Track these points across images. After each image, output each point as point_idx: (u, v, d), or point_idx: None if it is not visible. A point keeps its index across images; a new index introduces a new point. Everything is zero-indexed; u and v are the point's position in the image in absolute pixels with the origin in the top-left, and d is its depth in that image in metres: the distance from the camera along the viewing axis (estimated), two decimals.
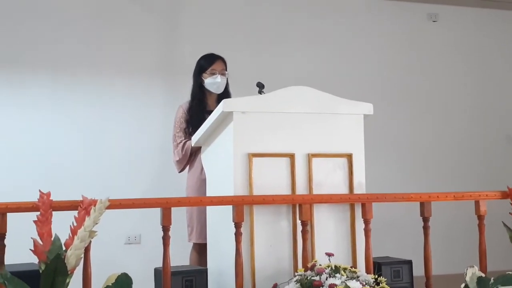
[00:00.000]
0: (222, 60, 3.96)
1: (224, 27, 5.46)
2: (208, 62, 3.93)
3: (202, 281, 2.98)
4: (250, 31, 5.54)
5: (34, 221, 2.47)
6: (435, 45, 6.02)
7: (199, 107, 3.87)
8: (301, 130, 3.12)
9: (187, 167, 3.92)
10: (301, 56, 5.58)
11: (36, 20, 5.06)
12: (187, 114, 3.87)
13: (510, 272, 2.94)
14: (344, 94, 3.27)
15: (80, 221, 2.50)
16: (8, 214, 2.59)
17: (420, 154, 5.83)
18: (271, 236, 3.00)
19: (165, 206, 2.82)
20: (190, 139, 3.66)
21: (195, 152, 3.78)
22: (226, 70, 3.95)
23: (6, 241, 2.59)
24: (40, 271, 2.41)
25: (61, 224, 2.56)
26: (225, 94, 3.92)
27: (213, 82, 3.88)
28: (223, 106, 3.05)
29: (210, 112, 3.50)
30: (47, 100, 5.03)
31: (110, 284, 2.51)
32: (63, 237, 2.50)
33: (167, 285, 2.80)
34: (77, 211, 2.53)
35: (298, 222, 2.98)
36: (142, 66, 5.26)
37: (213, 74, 3.89)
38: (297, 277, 2.73)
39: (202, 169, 3.68)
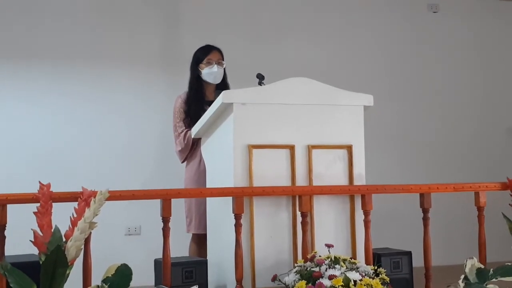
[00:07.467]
0: (219, 50, 3.94)
1: (225, 18, 5.45)
2: (204, 53, 3.91)
3: (202, 272, 2.99)
4: (251, 22, 5.53)
5: (34, 213, 2.47)
6: (436, 36, 6.00)
7: (196, 98, 3.85)
8: (301, 122, 3.12)
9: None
10: (301, 48, 5.56)
11: (36, 11, 5.05)
12: (185, 105, 3.86)
13: (509, 263, 2.94)
14: (344, 86, 3.27)
15: (80, 212, 2.50)
16: (8, 206, 2.59)
17: (420, 146, 5.83)
18: (271, 228, 3.01)
19: (165, 197, 2.82)
20: (190, 129, 3.66)
21: (195, 143, 3.77)
22: (223, 60, 3.93)
23: (6, 233, 2.60)
24: (41, 262, 2.41)
25: (61, 215, 2.56)
26: (223, 84, 3.90)
27: (210, 72, 3.86)
28: (223, 97, 3.05)
29: (208, 102, 3.50)
30: (47, 91, 5.04)
31: (110, 275, 2.51)
32: (63, 229, 2.50)
33: (167, 276, 2.80)
34: (77, 203, 2.53)
35: (298, 213, 2.98)
36: (143, 57, 5.26)
37: (210, 64, 3.87)
38: (296, 268, 2.74)
39: (200, 160, 3.68)
